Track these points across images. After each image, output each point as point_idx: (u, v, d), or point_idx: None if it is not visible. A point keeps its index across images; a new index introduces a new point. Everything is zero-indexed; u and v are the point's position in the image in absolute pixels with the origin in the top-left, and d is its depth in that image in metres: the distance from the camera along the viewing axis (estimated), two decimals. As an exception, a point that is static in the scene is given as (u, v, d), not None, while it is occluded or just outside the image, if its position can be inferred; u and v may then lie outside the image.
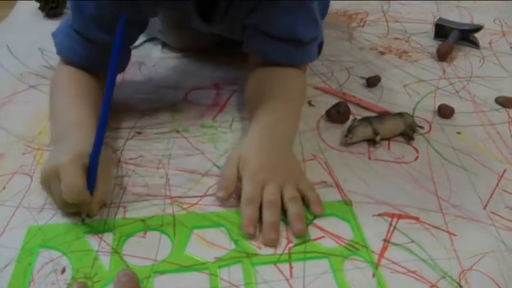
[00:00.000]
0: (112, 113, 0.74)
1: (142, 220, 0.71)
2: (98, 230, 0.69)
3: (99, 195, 0.70)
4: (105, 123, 0.70)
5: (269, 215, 0.69)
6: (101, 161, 0.70)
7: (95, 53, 0.85)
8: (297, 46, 0.88)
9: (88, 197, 0.67)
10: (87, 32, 0.84)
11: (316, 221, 0.72)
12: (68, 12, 1.29)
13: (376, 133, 0.85)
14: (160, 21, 1.10)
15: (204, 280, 0.63)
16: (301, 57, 0.91)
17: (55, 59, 1.06)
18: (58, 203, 0.70)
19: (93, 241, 0.68)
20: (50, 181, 0.69)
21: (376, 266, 0.66)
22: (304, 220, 0.69)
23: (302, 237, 0.68)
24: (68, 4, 0.87)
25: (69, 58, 0.88)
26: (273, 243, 0.67)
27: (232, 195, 0.74)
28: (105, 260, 0.65)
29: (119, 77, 0.98)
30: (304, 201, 0.73)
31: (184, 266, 0.65)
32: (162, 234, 0.69)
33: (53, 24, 1.22)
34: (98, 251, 0.66)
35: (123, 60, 0.90)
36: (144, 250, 0.67)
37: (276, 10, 0.85)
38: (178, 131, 0.89)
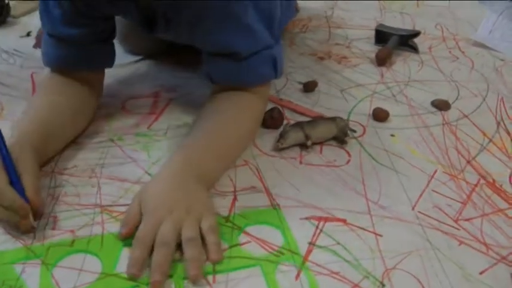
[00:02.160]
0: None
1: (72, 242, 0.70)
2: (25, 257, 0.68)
3: (27, 188, 0.70)
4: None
5: (156, 256, 0.64)
6: (22, 157, 0.72)
7: (68, 51, 0.88)
8: (236, 61, 0.84)
9: (10, 194, 0.68)
10: (56, 31, 0.87)
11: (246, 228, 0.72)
12: (11, 20, 1.29)
13: (307, 138, 0.86)
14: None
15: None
16: (246, 75, 0.86)
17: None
18: None
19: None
20: None
21: (299, 268, 0.66)
22: (201, 264, 0.65)
23: (196, 283, 0.64)
24: (39, 10, 0.89)
25: (48, 62, 0.91)
26: (156, 286, 0.62)
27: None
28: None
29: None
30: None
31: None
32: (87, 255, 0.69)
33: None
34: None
35: (109, 55, 0.93)
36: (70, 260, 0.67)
37: (209, 26, 0.83)
38: (113, 140, 0.89)
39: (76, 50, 0.88)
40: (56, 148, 0.84)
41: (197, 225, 0.68)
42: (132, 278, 0.64)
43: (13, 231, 0.70)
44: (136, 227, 0.68)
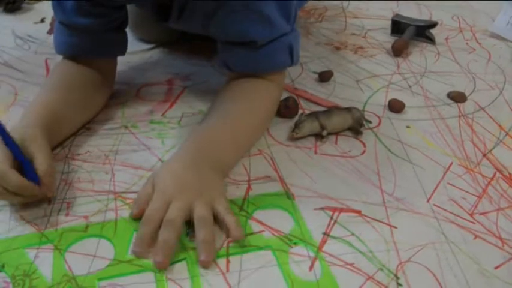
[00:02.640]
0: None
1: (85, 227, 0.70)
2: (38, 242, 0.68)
3: (40, 167, 0.70)
4: None
5: (162, 234, 0.65)
6: (34, 138, 0.72)
7: (80, 39, 0.88)
8: (253, 49, 0.84)
9: (13, 177, 0.67)
10: (69, 20, 0.86)
11: (256, 214, 0.72)
12: (25, 6, 1.29)
13: (323, 128, 0.85)
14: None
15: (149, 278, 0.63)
16: (263, 63, 0.86)
17: (8, 53, 1.07)
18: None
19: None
20: None
21: (314, 258, 0.66)
22: (213, 247, 0.65)
23: (207, 267, 0.64)
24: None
25: (60, 50, 0.91)
26: (159, 266, 0.63)
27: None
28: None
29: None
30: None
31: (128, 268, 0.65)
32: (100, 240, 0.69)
33: (12, 20, 1.23)
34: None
35: (122, 43, 0.93)
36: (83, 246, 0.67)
37: (226, 15, 0.83)
38: (126, 127, 0.89)
39: (89, 38, 0.88)
40: (66, 132, 0.84)
41: (209, 207, 0.68)
42: (138, 256, 0.64)
43: (27, 216, 0.70)
44: None
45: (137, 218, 0.69)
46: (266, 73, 0.87)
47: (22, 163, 0.69)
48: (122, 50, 0.94)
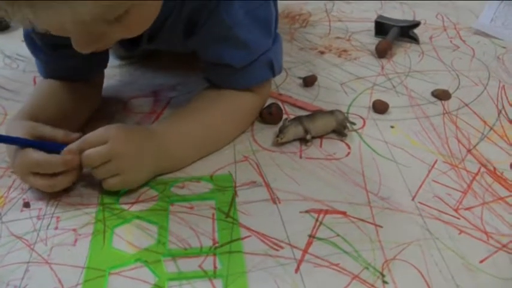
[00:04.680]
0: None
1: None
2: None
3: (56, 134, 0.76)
4: None
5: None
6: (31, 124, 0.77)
7: (65, 69, 0.89)
8: (232, 70, 0.85)
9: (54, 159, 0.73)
10: (47, 58, 0.89)
11: (242, 220, 0.73)
12: (13, 25, 1.30)
13: (307, 132, 0.86)
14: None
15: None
16: (243, 80, 0.87)
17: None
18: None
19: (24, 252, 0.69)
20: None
21: (299, 261, 0.66)
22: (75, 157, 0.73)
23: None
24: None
25: (46, 75, 0.92)
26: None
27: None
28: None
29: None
30: None
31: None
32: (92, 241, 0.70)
33: (0, 39, 1.24)
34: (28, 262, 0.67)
35: (105, 58, 0.94)
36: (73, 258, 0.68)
37: (204, 39, 0.83)
38: (114, 140, 0.89)
39: (72, 67, 0.88)
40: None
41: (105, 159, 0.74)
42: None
43: (16, 232, 0.71)
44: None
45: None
46: (248, 87, 0.88)
47: (38, 146, 0.74)
48: (106, 63, 0.95)
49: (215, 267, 0.66)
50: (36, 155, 0.73)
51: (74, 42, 0.67)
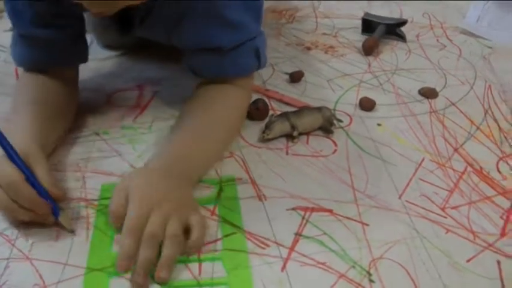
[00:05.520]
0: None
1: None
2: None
3: (44, 178, 0.69)
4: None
5: (144, 252, 0.63)
6: (30, 152, 0.70)
7: (41, 51, 0.86)
8: (219, 55, 0.83)
9: (28, 192, 0.66)
10: (29, 32, 0.85)
11: (227, 217, 0.72)
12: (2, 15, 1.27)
13: (293, 128, 0.85)
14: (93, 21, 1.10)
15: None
16: (230, 67, 0.85)
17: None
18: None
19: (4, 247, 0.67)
20: None
21: (285, 259, 0.66)
22: (173, 267, 0.64)
23: (163, 284, 0.63)
24: (6, 12, 0.87)
25: (21, 63, 0.89)
26: (136, 286, 0.62)
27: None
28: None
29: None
30: None
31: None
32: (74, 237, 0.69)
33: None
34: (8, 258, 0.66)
35: (83, 51, 0.92)
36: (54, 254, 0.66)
37: (190, 22, 0.82)
38: (97, 134, 0.88)
39: (50, 49, 0.86)
40: (54, 141, 0.83)
41: (181, 222, 0.66)
42: (123, 270, 0.63)
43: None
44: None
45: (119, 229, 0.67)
46: (233, 77, 0.87)
47: (28, 178, 0.67)
48: (84, 57, 0.93)
49: (200, 265, 0.65)
50: (28, 191, 0.66)
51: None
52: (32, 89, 0.86)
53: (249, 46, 0.85)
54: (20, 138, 0.73)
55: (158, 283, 0.62)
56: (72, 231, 0.69)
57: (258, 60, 0.87)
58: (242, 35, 0.84)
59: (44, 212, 0.68)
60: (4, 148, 0.68)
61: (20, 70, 0.92)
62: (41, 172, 0.69)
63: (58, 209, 0.69)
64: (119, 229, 0.67)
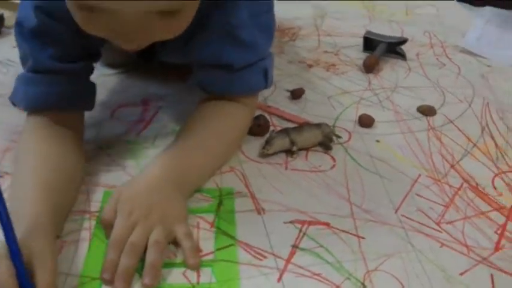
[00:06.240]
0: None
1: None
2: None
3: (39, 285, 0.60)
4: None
5: (123, 261, 0.65)
6: (37, 249, 0.62)
7: (64, 86, 0.82)
8: (229, 72, 0.85)
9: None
10: (51, 66, 0.80)
11: (226, 229, 0.74)
12: (5, 30, 1.30)
13: (293, 143, 0.87)
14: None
15: None
16: (238, 85, 0.87)
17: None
18: None
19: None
20: None
21: (282, 271, 0.67)
22: (159, 273, 0.65)
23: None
24: (21, 50, 0.83)
25: (39, 104, 0.82)
26: None
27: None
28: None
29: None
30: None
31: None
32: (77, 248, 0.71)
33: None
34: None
35: (89, 96, 0.88)
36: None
37: (202, 38, 0.83)
38: (101, 148, 0.90)
39: (73, 83, 0.83)
40: (67, 212, 0.76)
41: (165, 232, 0.69)
42: (107, 283, 0.65)
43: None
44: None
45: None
46: (240, 95, 0.89)
47: (18, 272, 0.59)
48: (91, 104, 0.89)
49: (198, 274, 0.66)
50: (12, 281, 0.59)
51: (123, 37, 0.68)
52: (40, 152, 0.78)
53: (259, 66, 0.87)
54: (27, 225, 0.65)
55: None
56: None
57: (266, 80, 0.89)
58: (253, 55, 0.86)
59: None
60: (7, 240, 0.59)
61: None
62: (41, 275, 0.60)
63: None
64: (109, 237, 0.69)
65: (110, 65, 1.15)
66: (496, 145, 0.95)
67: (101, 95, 1.03)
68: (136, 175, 0.79)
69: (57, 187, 0.73)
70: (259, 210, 0.77)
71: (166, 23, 0.69)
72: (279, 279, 0.66)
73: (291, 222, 0.75)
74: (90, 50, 0.85)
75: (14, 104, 0.86)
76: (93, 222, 0.75)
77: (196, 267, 0.67)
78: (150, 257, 0.66)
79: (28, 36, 0.80)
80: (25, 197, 0.71)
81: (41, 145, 0.79)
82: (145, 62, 1.10)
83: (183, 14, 0.69)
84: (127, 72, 1.14)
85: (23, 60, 0.84)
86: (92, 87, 0.88)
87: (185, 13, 0.70)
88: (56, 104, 0.82)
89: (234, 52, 0.84)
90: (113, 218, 0.70)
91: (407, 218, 0.77)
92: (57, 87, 0.82)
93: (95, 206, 0.78)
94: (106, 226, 0.71)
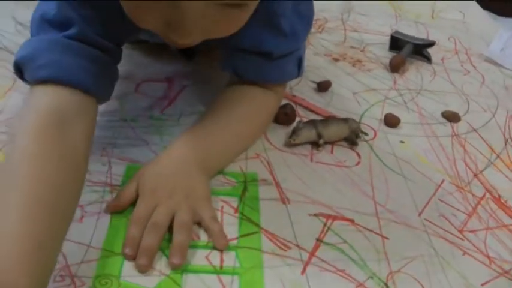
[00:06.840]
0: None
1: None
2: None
3: None
4: None
5: (146, 239, 0.65)
6: None
7: (101, 66, 0.74)
8: (267, 59, 0.84)
9: None
10: (97, 40, 0.74)
11: (250, 216, 0.73)
12: None
13: (320, 136, 0.86)
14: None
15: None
16: (274, 73, 0.86)
17: (8, 39, 1.06)
18: None
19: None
20: None
21: (306, 263, 0.67)
22: (185, 252, 0.65)
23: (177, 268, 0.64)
24: (60, 12, 0.73)
25: (70, 77, 0.70)
26: (142, 269, 0.63)
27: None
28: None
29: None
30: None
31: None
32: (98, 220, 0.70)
33: (13, 5, 1.22)
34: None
35: (112, 85, 0.81)
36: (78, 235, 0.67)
37: (245, 26, 0.78)
38: (125, 120, 0.89)
39: (104, 67, 0.76)
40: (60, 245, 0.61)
41: (192, 212, 0.69)
42: (129, 258, 0.64)
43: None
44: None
45: (110, 211, 0.71)
46: (273, 83, 0.88)
47: None
48: (109, 96, 0.81)
49: (222, 260, 0.65)
50: None
51: (180, 31, 0.64)
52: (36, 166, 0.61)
53: (295, 55, 0.87)
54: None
55: (173, 269, 0.64)
56: None
57: (299, 69, 0.89)
58: (292, 45, 0.85)
59: None
60: None
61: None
62: None
63: None
64: (110, 212, 0.71)
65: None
66: (519, 159, 0.94)
67: (125, 67, 1.02)
68: (160, 153, 0.78)
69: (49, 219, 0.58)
70: (284, 200, 0.76)
71: (229, 17, 0.66)
72: (303, 271, 0.66)
73: (315, 215, 0.75)
74: (129, 36, 0.84)
75: (19, 70, 0.74)
76: (114, 196, 0.74)
77: (224, 246, 0.67)
78: (178, 237, 0.65)
79: (77, 4, 0.72)
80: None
81: (42, 150, 0.63)
82: (187, 60, 1.08)
83: (248, 7, 0.66)
84: (149, 47, 1.12)
85: (57, 22, 0.73)
86: (116, 76, 0.81)
87: (251, 6, 0.67)
88: (85, 82, 0.71)
89: (274, 40, 0.83)
90: (132, 196, 0.70)
91: (430, 222, 0.77)
92: (95, 65, 0.73)
93: (116, 179, 0.77)
94: (121, 203, 0.71)
